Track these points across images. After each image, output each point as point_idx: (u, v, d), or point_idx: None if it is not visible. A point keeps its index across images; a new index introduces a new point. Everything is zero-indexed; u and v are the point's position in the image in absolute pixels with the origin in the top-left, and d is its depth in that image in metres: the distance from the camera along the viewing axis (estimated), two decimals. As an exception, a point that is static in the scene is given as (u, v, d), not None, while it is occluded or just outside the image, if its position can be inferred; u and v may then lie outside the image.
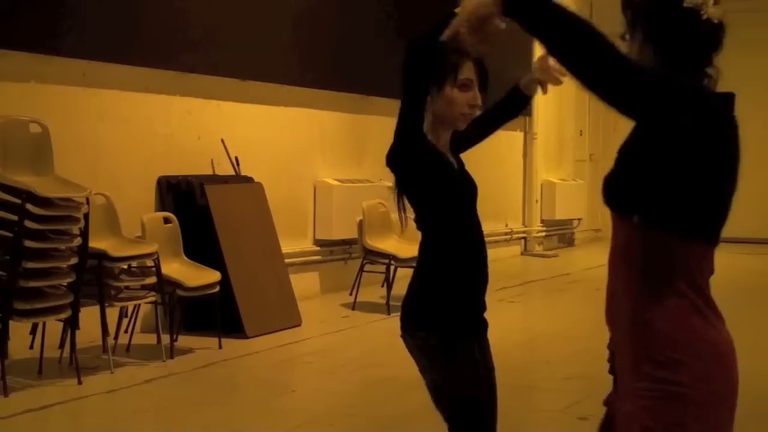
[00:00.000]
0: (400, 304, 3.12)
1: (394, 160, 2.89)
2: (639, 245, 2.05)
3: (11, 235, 5.48)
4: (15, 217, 5.48)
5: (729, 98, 2.09)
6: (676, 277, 2.04)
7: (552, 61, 2.98)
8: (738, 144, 2.09)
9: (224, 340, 6.96)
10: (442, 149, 2.94)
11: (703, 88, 2.07)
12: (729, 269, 12.41)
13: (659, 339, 2.03)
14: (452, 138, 3.03)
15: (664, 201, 2.02)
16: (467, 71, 2.89)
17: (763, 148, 15.06)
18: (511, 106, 3.23)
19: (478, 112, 2.97)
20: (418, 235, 3.03)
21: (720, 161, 2.03)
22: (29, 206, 5.49)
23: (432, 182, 2.90)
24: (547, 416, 5.59)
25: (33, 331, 6.09)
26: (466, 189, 3.00)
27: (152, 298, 6.55)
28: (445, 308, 2.91)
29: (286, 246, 8.47)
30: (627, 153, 2.07)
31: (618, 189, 2.07)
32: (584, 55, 1.95)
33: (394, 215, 9.63)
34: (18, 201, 5.50)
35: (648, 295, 2.05)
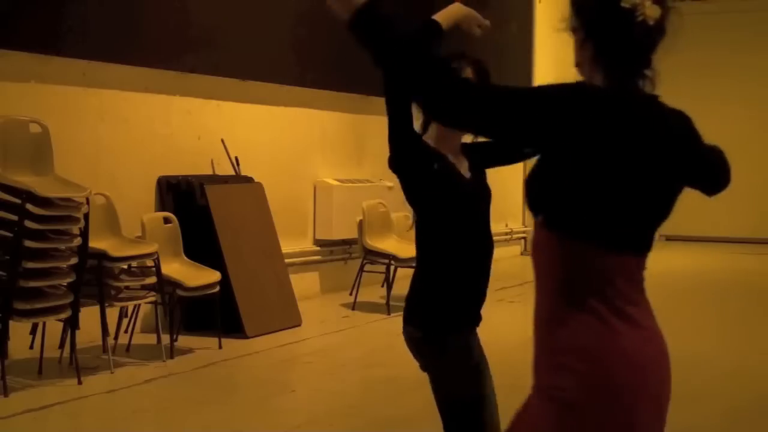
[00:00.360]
0: (399, 303, 3.14)
1: (392, 164, 2.93)
2: (547, 247, 2.04)
3: (11, 235, 5.48)
4: (15, 217, 5.48)
5: (646, 100, 2.04)
6: (581, 284, 2.01)
7: None
8: (664, 146, 2.03)
9: (224, 340, 6.96)
10: (449, 153, 2.95)
11: (598, 90, 2.02)
12: (729, 269, 12.44)
13: (559, 343, 2.02)
14: (477, 150, 3.05)
15: (562, 205, 2.00)
16: (466, 75, 2.92)
17: (762, 149, 15.07)
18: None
19: None
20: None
21: (616, 165, 1.96)
22: (29, 206, 5.49)
23: (426, 184, 2.92)
24: (547, 416, 5.58)
25: (33, 331, 6.09)
26: (471, 194, 3.00)
27: (152, 298, 6.55)
28: (432, 306, 2.95)
29: (286, 246, 8.47)
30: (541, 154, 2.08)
31: (528, 188, 2.07)
32: (417, 79, 1.99)
33: (395, 215, 9.68)
34: (18, 201, 5.50)
35: (558, 297, 2.03)
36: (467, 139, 2.98)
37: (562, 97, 1.97)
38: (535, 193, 2.05)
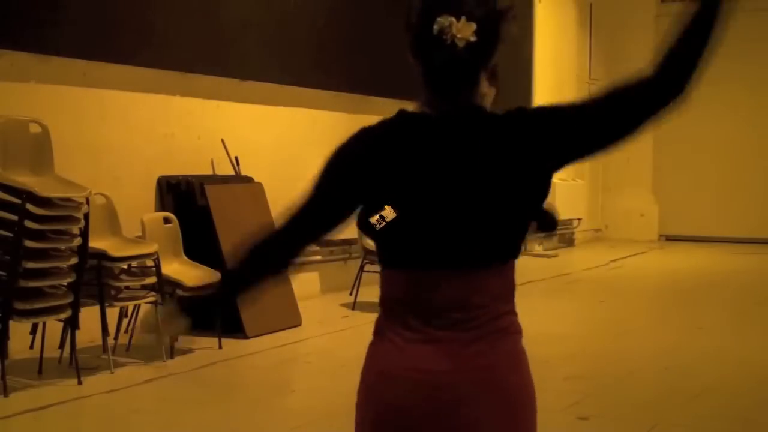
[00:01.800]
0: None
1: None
2: None
3: (11, 235, 5.48)
4: (15, 217, 5.48)
5: (406, 119, 2.01)
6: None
7: None
8: (422, 162, 1.95)
9: (224, 340, 6.95)
10: None
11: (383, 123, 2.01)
12: (729, 269, 12.44)
13: None
14: None
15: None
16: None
17: (762, 150, 15.07)
18: None
19: None
20: None
21: (374, 186, 1.97)
22: (29, 206, 5.49)
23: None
24: (547, 416, 5.56)
25: (33, 331, 6.09)
26: None
27: (152, 298, 6.55)
28: None
29: (286, 246, 8.46)
30: None
31: None
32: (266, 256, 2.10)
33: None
34: (18, 201, 5.50)
35: None
36: None
37: (325, 172, 2.02)
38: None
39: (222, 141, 8.14)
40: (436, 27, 1.91)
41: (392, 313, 2.07)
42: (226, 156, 8.14)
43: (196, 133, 8.02)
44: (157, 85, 7.61)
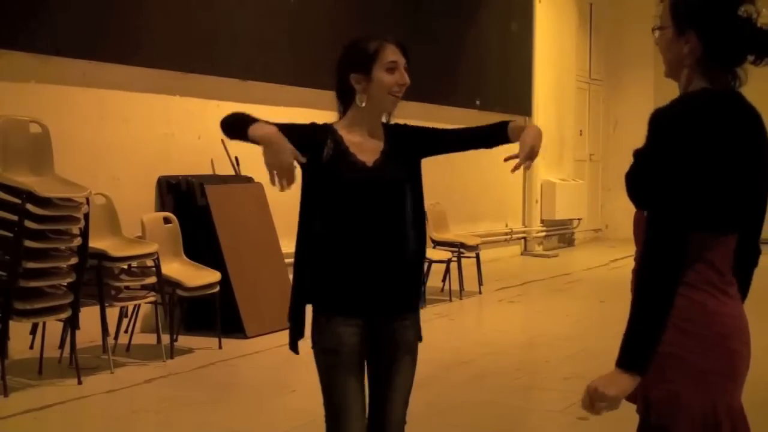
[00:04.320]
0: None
1: None
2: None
3: (11, 235, 5.48)
4: (15, 217, 5.48)
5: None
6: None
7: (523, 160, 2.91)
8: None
9: (224, 340, 6.95)
10: (360, 136, 2.93)
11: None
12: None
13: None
14: (420, 135, 3.03)
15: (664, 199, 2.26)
16: (390, 54, 2.93)
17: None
18: (494, 138, 3.14)
19: (404, 90, 2.99)
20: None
21: (720, 160, 2.23)
22: (29, 206, 5.49)
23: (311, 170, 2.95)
24: (547, 416, 5.58)
25: (33, 331, 6.09)
26: (360, 180, 2.92)
27: (152, 298, 6.55)
28: (296, 275, 3.20)
29: (286, 246, 8.46)
30: (640, 154, 2.29)
31: (632, 186, 2.35)
32: None
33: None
34: (18, 201, 5.50)
35: None
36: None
37: None
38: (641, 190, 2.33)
39: (222, 141, 8.12)
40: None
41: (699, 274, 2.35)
42: (226, 156, 8.13)
43: (196, 133, 8.02)
44: (157, 85, 7.61)
